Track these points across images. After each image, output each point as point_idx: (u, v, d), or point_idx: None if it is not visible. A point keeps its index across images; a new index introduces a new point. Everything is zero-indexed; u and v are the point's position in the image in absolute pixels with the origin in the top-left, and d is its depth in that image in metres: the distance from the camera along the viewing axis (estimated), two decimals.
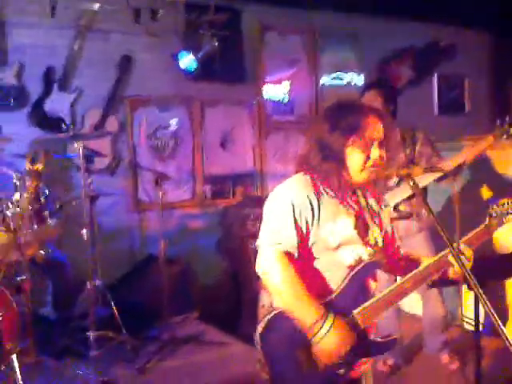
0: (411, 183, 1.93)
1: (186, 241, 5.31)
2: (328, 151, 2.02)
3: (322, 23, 5.99)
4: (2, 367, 3.13)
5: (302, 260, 2.03)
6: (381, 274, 2.17)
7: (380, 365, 3.76)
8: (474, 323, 2.73)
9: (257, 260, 2.01)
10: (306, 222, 2.00)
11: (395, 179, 3.48)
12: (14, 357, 3.19)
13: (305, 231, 2.00)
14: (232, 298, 4.65)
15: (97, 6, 4.71)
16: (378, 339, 2.03)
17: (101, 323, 4.03)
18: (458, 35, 6.55)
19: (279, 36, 5.87)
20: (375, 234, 2.13)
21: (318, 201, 2.02)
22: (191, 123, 5.45)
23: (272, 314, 1.99)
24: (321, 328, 1.87)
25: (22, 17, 4.63)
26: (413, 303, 4.44)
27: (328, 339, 1.87)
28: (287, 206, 1.99)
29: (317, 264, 2.05)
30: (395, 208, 3.60)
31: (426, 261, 2.10)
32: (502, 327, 1.62)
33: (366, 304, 1.99)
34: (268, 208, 2.07)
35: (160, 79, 5.22)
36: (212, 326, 4.43)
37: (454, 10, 5.57)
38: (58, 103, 4.80)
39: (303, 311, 1.91)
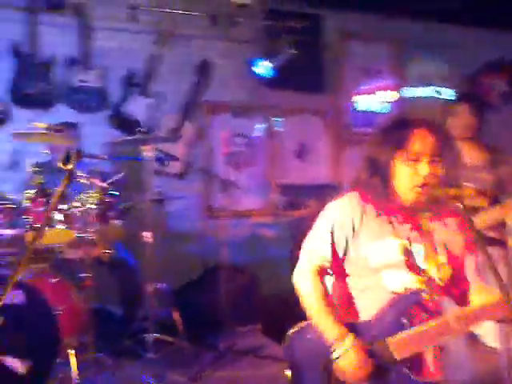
0: (460, 206, 1.73)
1: (257, 250, 5.24)
2: (376, 167, 1.93)
3: (410, 32, 5.74)
4: (58, 360, 3.17)
5: (340, 279, 2.00)
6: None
7: None
8: None
9: (294, 269, 2.02)
10: (346, 240, 1.94)
11: (484, 202, 3.23)
12: (71, 351, 3.22)
13: (343, 249, 1.96)
14: (297, 314, 4.50)
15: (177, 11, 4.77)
16: (413, 376, 1.82)
17: (162, 327, 4.04)
18: None
19: (363, 44, 5.68)
20: (437, 263, 1.93)
21: (362, 218, 1.94)
22: (267, 131, 5.37)
23: (302, 324, 1.97)
24: (339, 347, 1.81)
25: (106, 22, 4.79)
26: (493, 334, 4.08)
27: (345, 360, 1.80)
28: (328, 222, 1.98)
29: (355, 283, 1.97)
30: (482, 233, 3.30)
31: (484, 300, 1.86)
32: None
33: (401, 335, 1.81)
34: (315, 223, 2.05)
35: (238, 86, 5.22)
36: (274, 340, 4.29)
37: None
38: (136, 106, 4.89)
39: (326, 327, 1.87)
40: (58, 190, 3.31)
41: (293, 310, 2.05)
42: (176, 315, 4.01)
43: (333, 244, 1.94)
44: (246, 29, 5.14)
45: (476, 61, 5.94)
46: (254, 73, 5.08)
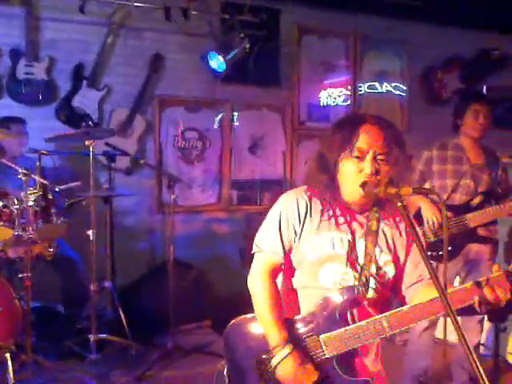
0: (399, 204, 1.70)
1: (209, 246, 5.21)
2: (324, 163, 1.91)
3: (366, 28, 5.75)
4: None
5: (288, 271, 2.00)
6: None
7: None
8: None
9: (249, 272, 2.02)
10: (295, 231, 1.94)
11: (477, 200, 3.31)
12: (7, 355, 3.14)
13: (291, 242, 1.95)
14: (248, 310, 4.48)
15: (130, 3, 4.66)
16: (344, 375, 1.82)
17: (108, 326, 3.99)
18: (509, 44, 6.13)
19: (319, 39, 5.66)
20: (381, 261, 1.90)
21: (307, 211, 1.92)
22: (220, 126, 5.32)
23: (240, 317, 1.98)
24: (276, 354, 1.82)
25: (55, 12, 4.65)
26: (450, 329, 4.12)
27: (283, 367, 1.81)
28: (276, 214, 1.96)
29: (298, 279, 1.97)
30: (473, 231, 3.33)
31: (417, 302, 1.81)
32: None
33: (334, 332, 1.80)
34: (265, 219, 2.04)
35: (191, 80, 5.14)
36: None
37: (506, 18, 5.23)
38: (86, 100, 4.78)
39: (269, 332, 1.87)
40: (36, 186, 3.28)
41: (244, 306, 2.03)
42: (121, 314, 3.93)
43: (281, 237, 1.93)
44: (200, 22, 5.06)
45: (430, 57, 5.98)
46: (209, 67, 4.99)
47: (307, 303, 1.91)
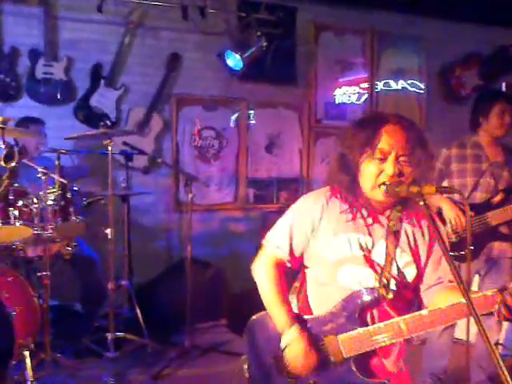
0: (421, 203, 1.68)
1: (226, 244, 5.22)
2: (345, 163, 1.90)
3: (383, 25, 5.71)
4: (13, 362, 3.12)
5: (305, 275, 2.03)
6: None
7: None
8: None
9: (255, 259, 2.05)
10: (306, 235, 1.95)
11: (498, 198, 3.28)
12: (26, 353, 3.17)
13: (301, 245, 1.96)
14: (264, 309, 4.47)
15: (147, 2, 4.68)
16: (360, 375, 1.81)
17: (125, 324, 4.01)
18: None
19: (335, 37, 5.63)
20: (402, 262, 1.88)
21: (323, 212, 1.93)
22: (237, 125, 5.32)
23: (261, 313, 2.00)
24: (285, 337, 1.86)
25: (73, 12, 4.69)
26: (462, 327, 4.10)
27: (289, 349, 1.84)
28: (289, 217, 2.00)
29: (313, 278, 1.99)
30: (495, 228, 3.31)
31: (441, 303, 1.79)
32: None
33: (352, 333, 1.81)
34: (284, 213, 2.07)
35: (208, 78, 5.15)
36: (239, 335, 4.26)
37: None
38: (104, 99, 4.81)
39: (276, 316, 1.91)
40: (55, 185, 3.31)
41: (260, 304, 2.04)
42: (138, 312, 3.95)
43: (291, 238, 1.95)
44: (217, 21, 5.06)
45: (448, 54, 5.92)
46: (226, 65, 4.99)
47: (324, 300, 1.91)
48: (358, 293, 1.84)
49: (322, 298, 1.92)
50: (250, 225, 5.33)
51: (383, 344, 1.78)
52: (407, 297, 1.93)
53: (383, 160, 1.80)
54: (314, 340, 1.85)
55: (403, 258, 1.89)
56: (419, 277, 1.92)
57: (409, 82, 5.90)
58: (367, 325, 1.81)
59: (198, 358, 3.93)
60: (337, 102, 5.67)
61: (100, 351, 3.70)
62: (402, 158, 1.79)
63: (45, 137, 4.15)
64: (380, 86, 5.83)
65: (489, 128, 3.41)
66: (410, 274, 1.90)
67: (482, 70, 5.89)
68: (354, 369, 1.81)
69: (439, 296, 1.88)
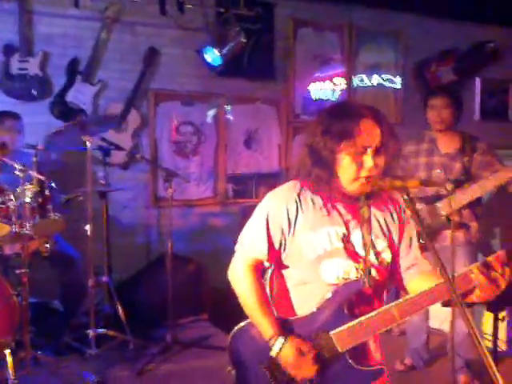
0: (405, 197, 1.72)
1: (205, 240, 5.21)
2: (319, 157, 1.84)
3: (361, 21, 5.75)
4: None
5: (278, 271, 1.97)
6: None
7: (397, 364, 3.81)
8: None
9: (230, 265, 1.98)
10: (282, 231, 1.89)
11: (449, 188, 3.32)
12: (6, 351, 3.13)
13: (279, 240, 1.90)
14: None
15: None
16: (358, 366, 1.83)
17: (106, 321, 3.99)
18: (503, 37, 6.13)
19: (314, 32, 5.65)
20: (379, 248, 1.91)
21: (298, 209, 1.88)
22: (216, 120, 5.32)
23: (244, 323, 1.92)
24: (273, 346, 1.81)
25: (49, 6, 4.62)
26: (442, 318, 4.18)
27: (283, 353, 1.80)
28: (263, 213, 1.93)
29: (293, 276, 1.93)
30: (447, 217, 3.42)
31: (422, 288, 1.84)
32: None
33: (344, 327, 1.80)
34: (252, 215, 1.99)
35: (186, 74, 5.13)
36: (221, 330, 4.28)
37: (499, 10, 5.24)
38: (80, 95, 4.75)
39: (261, 325, 1.85)
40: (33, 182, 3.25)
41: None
42: (119, 309, 3.94)
43: (268, 236, 1.89)
44: (195, 16, 5.04)
45: (425, 50, 5.98)
46: (205, 61, 4.98)
47: (308, 299, 1.88)
48: (343, 286, 1.84)
49: (305, 297, 1.90)
50: (229, 220, 5.33)
51: (377, 332, 1.82)
52: (385, 282, 1.95)
53: (363, 153, 1.81)
54: (304, 340, 1.82)
55: (379, 244, 1.91)
56: (394, 260, 1.96)
57: (384, 77, 5.95)
58: (356, 316, 1.82)
59: (181, 353, 3.94)
60: (314, 97, 5.68)
61: (81, 348, 3.68)
62: (378, 151, 1.81)
63: (21, 132, 4.08)
64: (357, 81, 5.87)
65: (430, 123, 3.56)
66: (387, 258, 1.92)
67: (458, 66, 5.96)
68: (351, 361, 1.82)
69: (418, 279, 1.94)
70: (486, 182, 3.27)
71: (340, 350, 1.80)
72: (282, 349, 1.79)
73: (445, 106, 3.47)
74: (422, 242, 2.04)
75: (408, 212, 1.95)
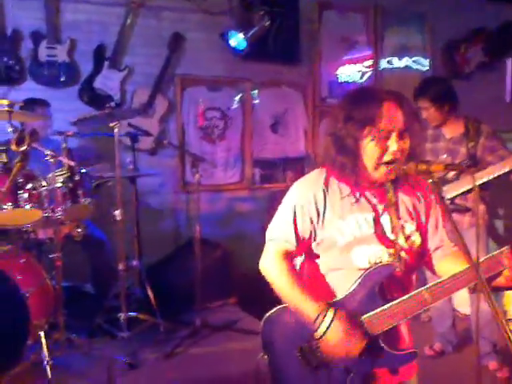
0: (430, 181, 1.71)
1: (233, 224, 5.24)
2: (342, 144, 1.84)
3: (387, 2, 5.67)
4: (29, 342, 3.16)
5: (309, 259, 1.96)
6: None
7: (426, 349, 3.80)
8: None
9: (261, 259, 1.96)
10: (311, 221, 1.88)
11: (454, 172, 3.35)
12: (41, 333, 3.20)
13: (308, 229, 1.89)
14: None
15: None
16: (391, 350, 1.83)
17: (137, 304, 4.05)
18: None
19: (338, 15, 5.59)
20: (407, 232, 1.91)
21: (325, 198, 1.87)
22: (242, 105, 5.31)
23: (276, 309, 1.91)
24: (322, 322, 1.76)
25: None
26: (468, 303, 4.15)
27: (332, 332, 1.75)
28: (290, 204, 1.92)
29: (325, 264, 1.92)
30: (451, 201, 3.44)
31: (450, 270, 1.85)
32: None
33: (376, 311, 1.80)
34: (281, 204, 1.98)
35: (211, 58, 5.12)
36: (249, 313, 4.31)
37: None
38: (108, 81, 4.79)
39: (303, 306, 1.81)
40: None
41: (268, 283, 2.02)
42: (149, 292, 3.99)
43: (296, 227, 1.88)
44: (219, 0, 5.02)
45: (453, 30, 5.88)
46: (229, 45, 4.96)
47: (341, 285, 1.87)
48: (374, 270, 1.84)
49: (338, 283, 1.89)
50: (256, 205, 5.34)
51: (410, 316, 1.81)
52: (415, 265, 1.95)
53: (387, 138, 1.80)
54: (352, 318, 1.79)
55: (408, 228, 1.91)
56: (423, 243, 1.96)
57: (412, 58, 5.86)
58: (388, 300, 1.81)
59: (209, 337, 3.98)
60: (340, 80, 5.64)
61: (113, 331, 3.75)
62: (401, 135, 1.80)
63: (50, 118, 4.13)
64: (383, 63, 5.80)
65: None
66: (416, 241, 1.92)
67: (488, 47, 5.85)
68: (383, 345, 1.82)
69: (444, 262, 1.95)
70: (494, 168, 3.27)
71: (372, 334, 1.79)
72: (333, 322, 1.74)
73: (425, 107, 3.48)
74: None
75: (433, 195, 1.94)
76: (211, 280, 4.32)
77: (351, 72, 5.70)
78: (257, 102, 5.36)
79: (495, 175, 3.30)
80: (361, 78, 5.73)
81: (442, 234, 1.99)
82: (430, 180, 1.70)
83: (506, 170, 3.27)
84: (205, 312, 4.19)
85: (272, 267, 1.90)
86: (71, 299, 4.01)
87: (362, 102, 1.82)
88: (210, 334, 4.00)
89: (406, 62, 5.86)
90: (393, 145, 1.79)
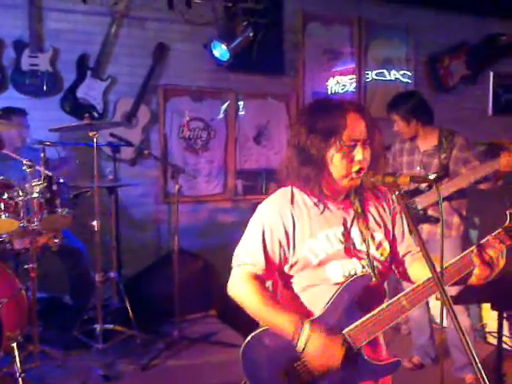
0: (396, 193, 1.70)
1: (215, 236, 5.22)
2: (306, 156, 1.80)
3: (371, 14, 5.70)
4: (1, 354, 3.12)
5: (282, 281, 1.93)
6: None
7: (405, 362, 3.75)
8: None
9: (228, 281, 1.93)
10: (280, 244, 1.85)
11: (425, 184, 3.41)
12: (13, 345, 3.16)
13: (278, 253, 1.86)
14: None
15: None
16: (376, 362, 1.82)
17: (114, 316, 4.01)
18: None
19: (323, 26, 5.62)
20: (377, 240, 1.90)
21: (293, 218, 1.85)
22: (225, 115, 5.31)
23: (253, 334, 1.86)
24: (300, 335, 1.74)
25: (58, 2, 4.65)
26: (445, 315, 4.16)
27: (312, 345, 1.73)
28: (258, 228, 1.87)
29: (300, 283, 1.89)
30: (424, 212, 3.49)
31: (421, 274, 1.84)
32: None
33: (356, 323, 1.79)
34: (248, 226, 1.94)
35: (195, 69, 5.14)
36: (229, 326, 4.29)
37: None
38: (90, 90, 4.78)
39: (279, 323, 1.79)
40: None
41: None
42: (127, 304, 3.96)
43: (265, 250, 1.84)
44: (203, 11, 5.04)
45: (436, 44, 5.93)
46: (213, 56, 4.97)
47: (318, 301, 1.85)
48: (350, 282, 1.82)
49: (315, 299, 1.87)
50: (239, 216, 5.33)
51: (390, 324, 1.80)
52: (387, 273, 1.95)
53: (353, 148, 1.79)
54: (329, 328, 1.78)
55: (377, 237, 1.91)
56: (392, 249, 1.96)
57: (396, 71, 5.90)
58: (366, 311, 1.80)
59: (187, 349, 3.94)
60: (329, 92, 5.66)
61: (89, 342, 3.70)
62: (365, 144, 1.80)
63: (27, 127, 4.10)
64: (370, 75, 5.83)
65: None
66: (386, 249, 1.92)
67: (470, 60, 5.90)
68: (366, 357, 1.80)
69: (416, 266, 1.95)
70: (463, 178, 3.33)
71: (355, 347, 1.78)
72: (310, 337, 1.73)
73: (395, 120, 3.56)
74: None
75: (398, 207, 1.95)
76: (191, 292, 4.29)
77: (336, 83, 5.72)
78: (242, 113, 5.36)
79: (463, 186, 3.34)
80: (344, 89, 5.75)
81: (409, 240, 1.99)
82: (397, 192, 1.69)
83: (472, 180, 3.31)
84: (184, 324, 4.17)
85: (241, 290, 1.87)
86: (49, 310, 4.00)
87: (326, 113, 1.81)
88: (187, 346, 3.96)
89: (388, 74, 5.89)
90: (358, 154, 1.78)
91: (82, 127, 3.95)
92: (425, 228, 3.50)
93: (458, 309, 3.62)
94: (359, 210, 1.90)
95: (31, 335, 3.35)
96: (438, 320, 4.31)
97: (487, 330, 4.17)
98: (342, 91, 5.73)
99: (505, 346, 3.34)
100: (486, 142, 4.46)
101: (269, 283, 1.98)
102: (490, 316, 4.08)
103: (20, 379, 3.06)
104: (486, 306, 3.88)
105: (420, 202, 3.47)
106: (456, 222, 3.54)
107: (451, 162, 3.46)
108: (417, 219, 3.46)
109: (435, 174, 3.44)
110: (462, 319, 3.67)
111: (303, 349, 1.74)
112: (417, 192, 3.48)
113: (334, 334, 1.75)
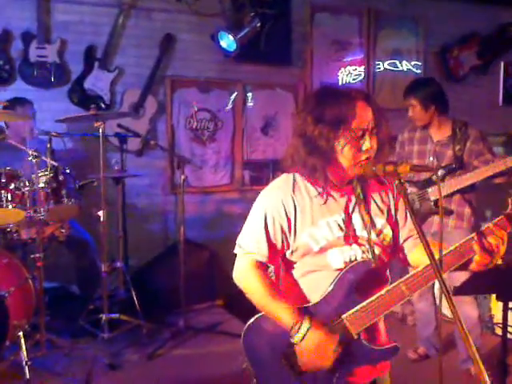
0: (396, 182, 1.70)
1: (222, 226, 5.22)
2: (314, 146, 1.80)
3: (380, 4, 5.65)
4: (7, 343, 3.16)
5: (284, 266, 1.95)
6: None
7: (410, 353, 3.78)
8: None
9: (234, 268, 1.95)
10: (282, 230, 1.86)
11: (440, 173, 3.37)
12: (20, 333, 3.20)
13: (280, 239, 1.87)
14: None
15: None
16: (374, 347, 1.83)
17: (121, 306, 4.04)
18: None
19: (331, 17, 5.58)
20: (378, 226, 1.90)
21: (295, 205, 1.85)
22: (233, 106, 5.31)
23: (255, 318, 1.89)
24: (298, 331, 1.75)
25: None
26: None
27: (307, 341, 1.75)
28: (260, 214, 1.88)
29: (301, 268, 1.90)
30: (435, 204, 3.44)
31: (421, 260, 1.83)
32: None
33: (355, 309, 1.79)
34: (250, 212, 1.95)
35: (202, 60, 5.12)
36: (235, 316, 4.31)
37: None
38: (98, 81, 4.79)
39: (279, 315, 1.80)
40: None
41: None
42: (133, 294, 3.98)
43: (267, 237, 1.86)
44: (211, 1, 5.02)
45: (447, 34, 5.87)
46: (220, 47, 4.95)
47: (319, 286, 1.86)
48: (350, 268, 1.83)
49: (315, 285, 1.88)
50: (245, 207, 5.25)
51: (389, 310, 1.80)
52: (388, 259, 1.94)
53: (361, 137, 1.78)
54: (325, 325, 1.78)
55: (378, 222, 1.90)
56: (395, 235, 1.95)
57: (406, 62, 5.85)
58: (366, 297, 1.80)
59: (193, 338, 3.97)
60: (339, 82, 5.62)
61: (95, 332, 3.74)
62: (372, 133, 1.79)
63: (33, 118, 4.10)
64: (382, 66, 5.78)
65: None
66: (388, 235, 1.91)
67: (481, 50, 5.83)
68: (366, 343, 1.81)
69: (417, 251, 1.93)
70: (481, 172, 3.28)
71: (354, 332, 1.79)
72: (308, 334, 1.74)
73: (413, 105, 3.48)
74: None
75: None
76: (197, 282, 4.32)
77: (344, 74, 5.69)
78: (250, 104, 5.35)
79: (479, 179, 3.31)
80: (354, 80, 5.71)
81: (411, 224, 1.95)
82: (397, 181, 1.68)
83: (489, 174, 3.27)
84: (190, 314, 4.19)
85: (245, 278, 1.89)
86: (57, 300, 4.03)
87: (334, 102, 1.79)
88: (193, 335, 3.99)
89: (398, 64, 5.84)
90: (366, 143, 1.78)
91: (88, 118, 3.95)
92: (436, 219, 3.45)
93: (466, 299, 3.60)
94: (361, 196, 1.90)
95: (38, 324, 3.40)
96: (446, 311, 4.31)
97: (495, 321, 4.15)
98: (353, 81, 5.68)
99: (510, 336, 3.32)
100: (502, 133, 4.39)
101: (271, 268, 1.99)
102: (498, 307, 4.06)
103: (26, 367, 3.09)
104: (494, 298, 3.85)
105: (433, 193, 3.43)
106: (468, 213, 3.51)
107: (465, 153, 3.42)
108: (429, 210, 3.44)
109: (443, 171, 3.40)
110: (469, 309, 3.65)
111: (297, 343, 1.75)
112: (430, 183, 3.45)
113: (331, 333, 1.76)
